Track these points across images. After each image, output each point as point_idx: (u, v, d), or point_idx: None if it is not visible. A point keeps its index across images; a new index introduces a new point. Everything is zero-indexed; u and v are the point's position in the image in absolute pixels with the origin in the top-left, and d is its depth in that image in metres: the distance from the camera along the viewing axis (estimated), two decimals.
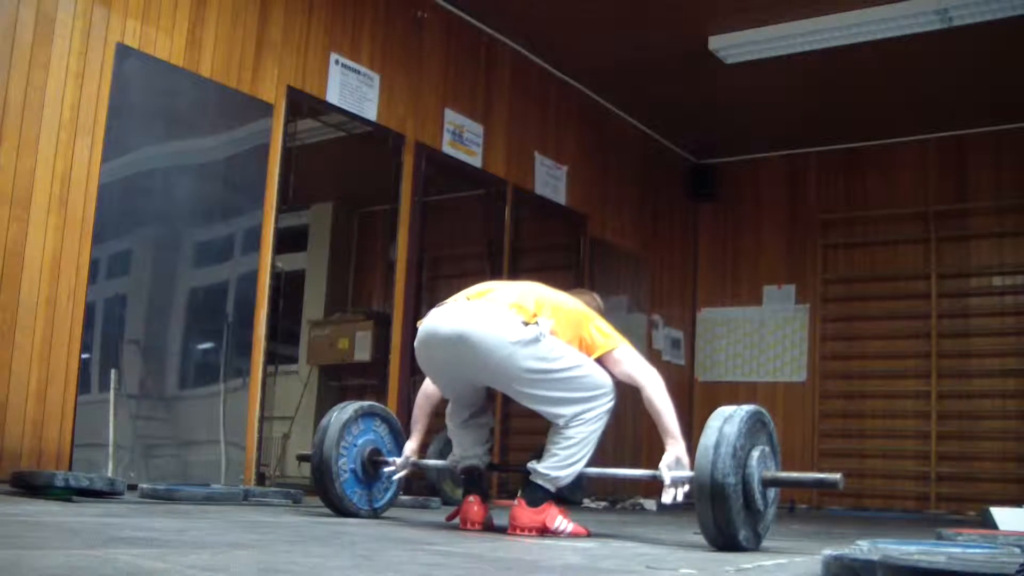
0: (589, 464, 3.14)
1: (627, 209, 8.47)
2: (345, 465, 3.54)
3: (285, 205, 5.47)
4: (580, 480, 3.20)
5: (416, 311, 6.32)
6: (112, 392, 4.43)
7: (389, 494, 3.75)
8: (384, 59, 6.04)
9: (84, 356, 4.32)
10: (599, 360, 3.18)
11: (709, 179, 9.41)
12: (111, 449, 4.36)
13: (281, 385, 7.06)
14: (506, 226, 6.98)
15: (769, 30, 6.70)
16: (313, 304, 8.40)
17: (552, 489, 3.08)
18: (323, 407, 7.66)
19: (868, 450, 8.40)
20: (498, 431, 6.92)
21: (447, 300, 3.22)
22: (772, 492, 2.90)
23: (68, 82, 4.32)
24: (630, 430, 7.44)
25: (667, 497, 2.99)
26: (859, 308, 8.72)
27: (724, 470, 2.67)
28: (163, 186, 4.82)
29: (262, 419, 5.16)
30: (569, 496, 4.21)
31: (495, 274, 6.79)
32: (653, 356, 8.67)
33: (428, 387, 3.47)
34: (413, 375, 5.85)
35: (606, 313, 3.37)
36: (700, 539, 2.85)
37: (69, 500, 3.38)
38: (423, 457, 3.58)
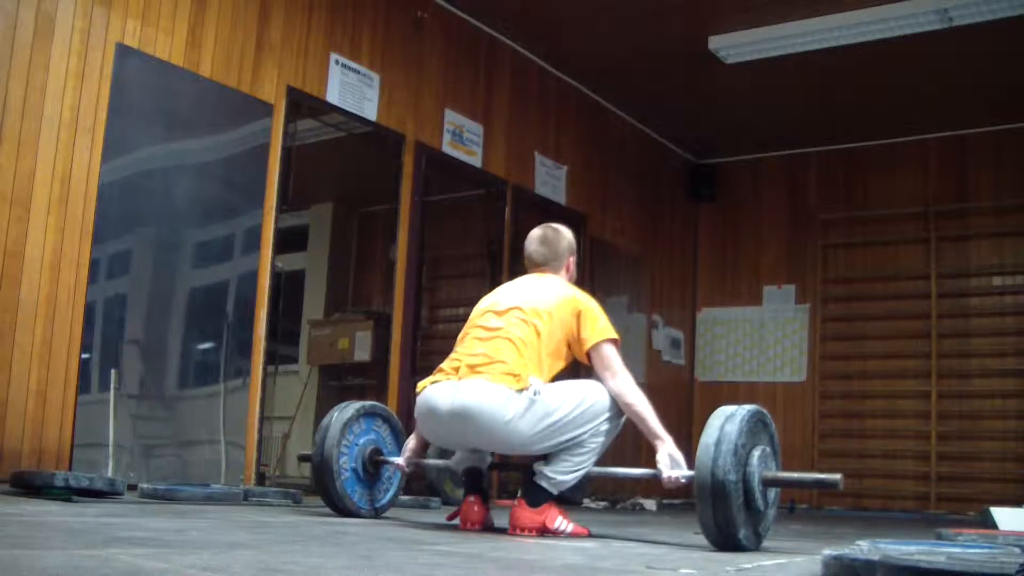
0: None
1: (627, 209, 8.47)
2: (346, 464, 3.54)
3: (285, 205, 5.47)
4: (581, 481, 3.21)
5: (416, 311, 6.32)
6: (112, 392, 4.43)
7: (390, 494, 3.75)
8: (384, 59, 6.04)
9: (84, 356, 4.32)
10: (587, 353, 3.23)
11: (709, 179, 9.41)
12: (111, 449, 4.36)
13: (281, 385, 7.06)
14: (506, 226, 6.98)
15: (769, 30, 6.70)
16: (313, 304, 8.39)
17: (555, 492, 3.10)
18: (323, 407, 7.65)
19: (868, 450, 8.40)
20: None
21: (442, 366, 3.24)
22: (772, 492, 2.90)
23: (68, 82, 4.32)
24: (629, 429, 7.48)
25: (669, 483, 3.02)
26: (859, 308, 8.72)
27: (725, 468, 2.68)
28: (163, 186, 4.81)
29: (262, 419, 5.16)
30: (570, 497, 4.21)
31: (495, 274, 6.79)
32: (653, 356, 8.68)
33: None
34: (413, 375, 5.85)
35: (608, 314, 3.37)
36: (700, 539, 2.85)
37: (69, 500, 3.38)
38: (424, 457, 3.59)
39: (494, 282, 6.10)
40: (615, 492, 7.15)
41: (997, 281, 8.25)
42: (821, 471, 8.37)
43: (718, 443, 2.72)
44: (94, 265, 4.40)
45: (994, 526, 4.62)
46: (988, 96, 7.66)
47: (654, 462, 3.10)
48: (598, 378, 3.24)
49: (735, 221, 9.39)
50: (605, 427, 3.14)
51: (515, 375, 3.07)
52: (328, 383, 7.79)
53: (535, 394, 3.03)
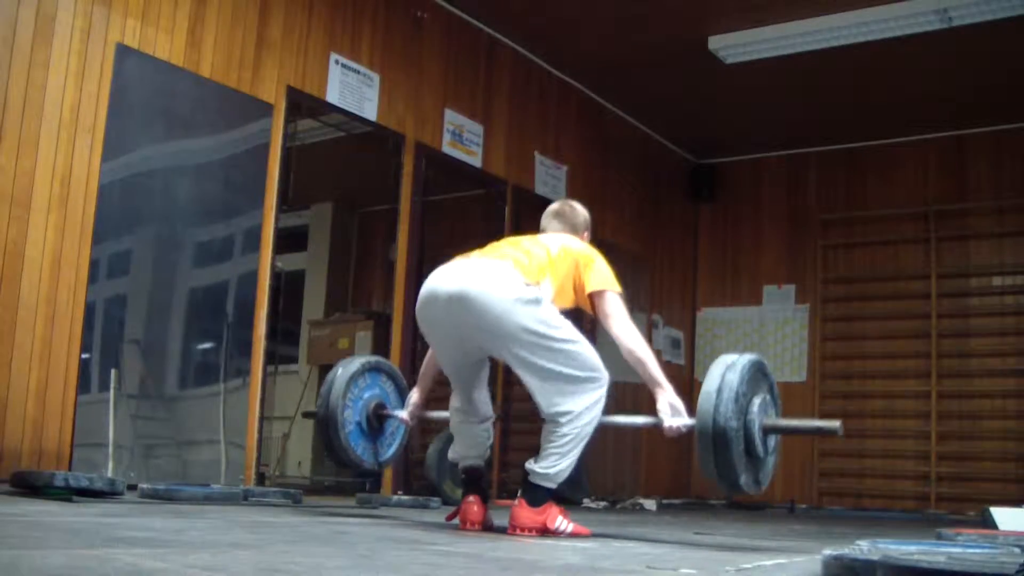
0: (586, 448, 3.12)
1: (627, 209, 8.47)
2: (350, 418, 3.56)
3: (285, 205, 5.48)
4: (580, 479, 3.20)
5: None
6: (112, 392, 4.43)
7: (393, 448, 3.77)
8: (384, 59, 6.04)
9: (84, 356, 4.32)
10: (589, 297, 3.20)
11: (709, 179, 9.41)
12: (111, 449, 4.36)
13: (281, 385, 7.07)
14: (506, 226, 6.98)
15: (769, 30, 6.70)
16: (313, 304, 8.40)
17: (552, 487, 3.06)
18: None
19: (868, 450, 8.40)
20: (498, 431, 6.92)
21: (455, 257, 3.22)
22: (772, 440, 2.92)
23: (68, 82, 4.32)
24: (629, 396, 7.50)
25: (670, 432, 3.02)
26: (859, 308, 8.72)
27: (727, 415, 2.71)
28: (163, 186, 4.81)
29: (262, 419, 5.16)
30: (569, 496, 4.21)
31: None
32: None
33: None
34: (413, 375, 5.84)
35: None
36: (700, 539, 2.85)
37: (69, 500, 3.38)
38: (426, 411, 3.60)
39: None
40: (615, 492, 7.16)
41: (997, 281, 8.25)
42: (821, 471, 8.46)
43: (719, 391, 2.74)
44: (94, 265, 4.40)
45: (994, 526, 4.61)
46: (988, 96, 7.66)
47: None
48: (600, 326, 3.21)
49: (735, 221, 9.38)
50: (584, 403, 3.01)
51: (529, 269, 3.05)
52: None
53: (541, 297, 3.00)
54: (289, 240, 6.80)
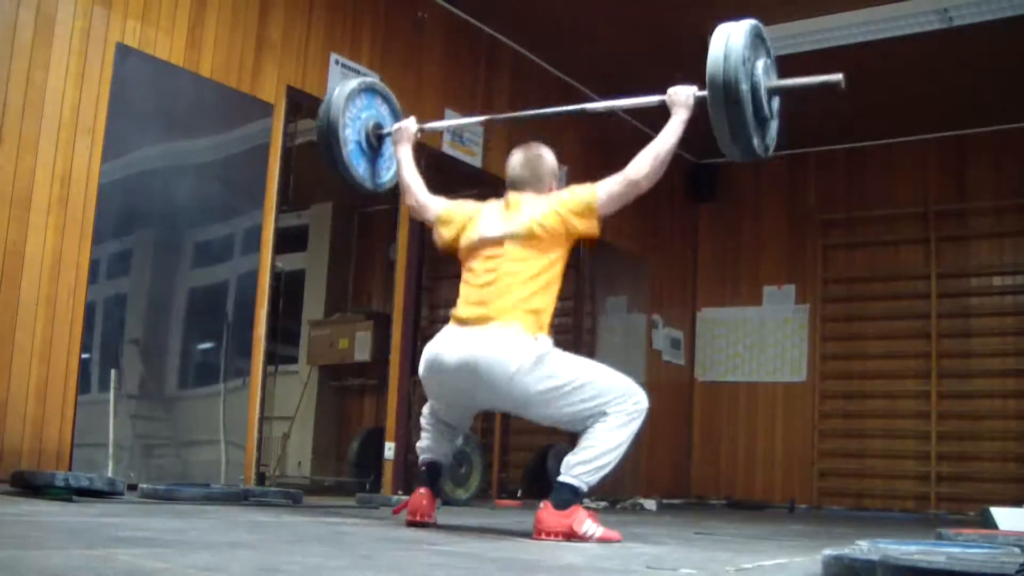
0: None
1: (627, 209, 8.37)
2: (350, 136, 3.60)
3: (285, 205, 5.47)
4: None
5: (416, 311, 6.32)
6: (112, 392, 4.43)
7: (391, 172, 3.85)
8: (384, 59, 6.04)
9: (84, 356, 4.32)
10: (598, 218, 3.25)
11: (709, 179, 9.40)
12: (111, 449, 4.36)
13: (281, 385, 7.06)
14: None
15: (769, 30, 6.68)
16: (313, 304, 8.39)
17: (584, 488, 2.98)
18: (323, 407, 7.66)
19: (868, 450, 8.40)
20: (498, 431, 6.92)
21: (451, 319, 3.20)
22: (776, 102, 2.97)
23: (68, 82, 4.32)
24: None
25: (678, 98, 3.30)
26: (859, 308, 8.72)
27: (737, 77, 2.78)
28: (163, 186, 4.81)
29: (262, 419, 5.16)
30: None
31: None
32: (653, 356, 8.67)
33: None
34: (413, 375, 5.85)
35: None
36: (700, 539, 2.85)
37: (69, 500, 3.38)
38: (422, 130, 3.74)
39: None
40: (615, 492, 7.15)
41: (997, 281, 8.25)
42: (821, 471, 8.46)
43: (727, 56, 2.82)
44: (94, 265, 4.39)
45: (994, 526, 4.61)
46: (988, 96, 7.65)
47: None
48: (619, 193, 3.32)
49: (735, 221, 9.38)
50: (620, 411, 2.97)
51: (527, 314, 3.03)
52: (328, 383, 7.79)
53: (545, 353, 2.97)
54: (289, 240, 6.79)
